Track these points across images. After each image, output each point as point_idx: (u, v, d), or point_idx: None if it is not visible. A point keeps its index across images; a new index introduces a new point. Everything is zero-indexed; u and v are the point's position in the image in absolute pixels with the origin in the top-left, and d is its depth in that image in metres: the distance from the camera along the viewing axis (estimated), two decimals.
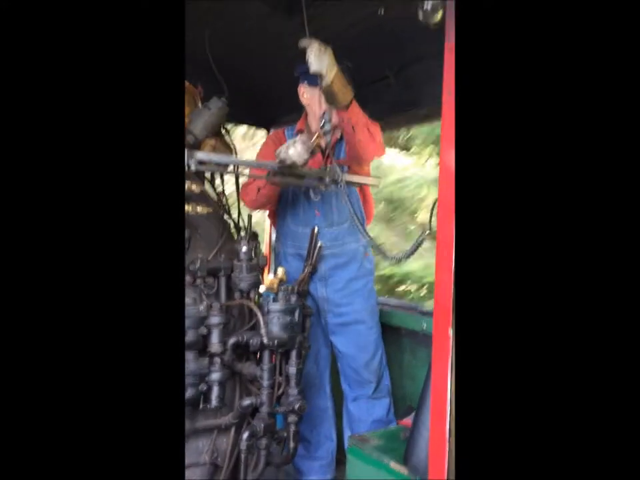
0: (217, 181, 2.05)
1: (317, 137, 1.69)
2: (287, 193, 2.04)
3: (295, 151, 1.60)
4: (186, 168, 1.50)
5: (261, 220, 3.24)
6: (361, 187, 2.00)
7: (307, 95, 1.93)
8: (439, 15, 1.40)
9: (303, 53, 1.66)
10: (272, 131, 2.20)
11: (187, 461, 1.69)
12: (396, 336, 2.20)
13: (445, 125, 1.00)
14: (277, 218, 2.15)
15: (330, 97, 1.66)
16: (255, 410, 1.68)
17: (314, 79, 1.77)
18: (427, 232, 1.31)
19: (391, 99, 2.19)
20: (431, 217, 1.14)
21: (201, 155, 1.52)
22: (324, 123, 1.64)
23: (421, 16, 1.43)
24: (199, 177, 1.88)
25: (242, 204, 2.05)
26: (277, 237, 2.18)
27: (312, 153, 1.63)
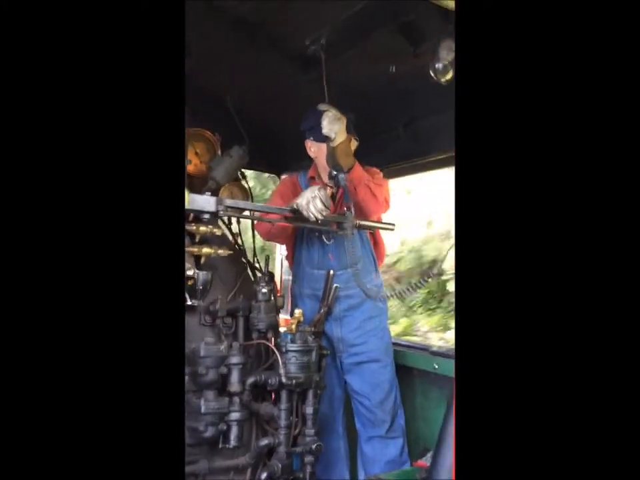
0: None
1: (331, 191, 1.79)
2: (302, 237, 2.12)
3: (315, 209, 1.70)
4: (215, 214, 1.58)
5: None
6: (372, 230, 2.08)
7: (314, 148, 2.04)
8: (450, 73, 1.52)
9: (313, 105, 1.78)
10: (285, 175, 2.31)
11: None
12: (407, 376, 2.22)
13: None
14: (293, 261, 2.22)
15: (332, 159, 1.79)
16: (270, 451, 1.70)
17: (319, 136, 1.90)
18: (436, 271, 1.38)
19: (399, 150, 2.31)
20: (444, 257, 1.20)
21: (229, 201, 1.61)
22: (336, 176, 1.73)
23: (433, 74, 1.55)
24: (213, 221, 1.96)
25: (257, 249, 2.12)
26: (293, 279, 2.24)
27: (328, 209, 1.73)
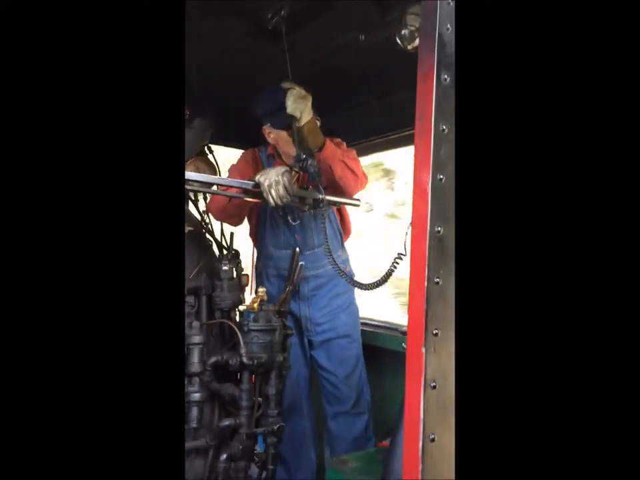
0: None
1: (297, 175, 1.72)
2: (265, 216, 2.06)
3: (276, 194, 1.62)
4: None
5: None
6: (339, 206, 2.03)
7: (273, 135, 1.92)
8: (416, 41, 1.45)
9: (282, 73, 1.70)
10: (247, 149, 2.21)
11: None
12: (377, 356, 2.20)
13: (418, 149, 1.02)
14: (257, 239, 2.16)
15: (300, 139, 1.70)
16: (233, 432, 1.66)
17: (276, 122, 1.83)
18: (402, 256, 1.33)
19: (371, 124, 2.24)
20: (405, 241, 1.15)
21: (189, 174, 1.54)
22: (304, 159, 1.64)
23: (399, 40, 1.49)
24: None
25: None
26: (257, 258, 2.18)
27: (291, 196, 1.65)
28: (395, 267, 1.30)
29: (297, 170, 1.70)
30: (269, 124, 1.89)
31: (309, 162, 1.59)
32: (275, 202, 1.63)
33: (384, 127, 2.22)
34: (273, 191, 1.61)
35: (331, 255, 1.58)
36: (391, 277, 1.32)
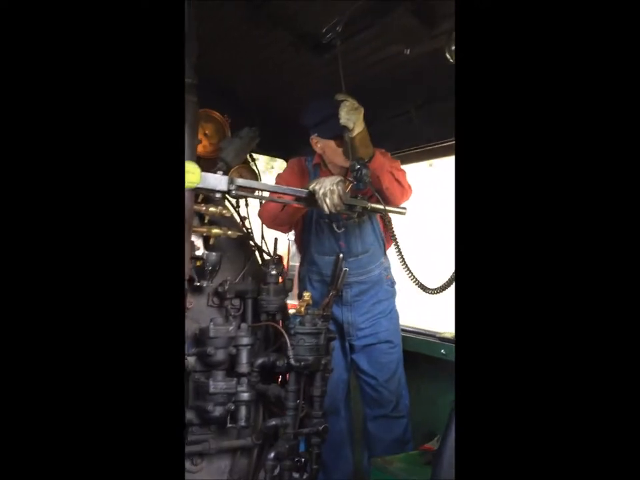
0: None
1: (350, 185, 1.76)
2: (311, 222, 2.11)
3: (331, 203, 1.66)
4: (227, 193, 1.57)
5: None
6: (385, 213, 2.07)
7: (320, 144, 1.97)
8: None
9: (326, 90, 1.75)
10: (293, 158, 2.27)
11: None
12: (415, 361, 2.23)
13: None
14: (302, 244, 2.22)
15: (352, 150, 1.74)
16: (277, 432, 1.71)
17: (324, 131, 1.88)
18: None
19: (412, 134, 2.27)
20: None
21: (240, 181, 1.59)
22: (359, 169, 1.67)
23: (449, 55, 1.53)
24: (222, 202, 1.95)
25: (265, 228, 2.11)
26: (301, 263, 2.24)
27: (345, 204, 1.70)
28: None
29: (350, 180, 1.75)
30: (316, 134, 1.94)
31: (363, 172, 1.64)
32: (329, 209, 1.68)
33: (425, 136, 2.25)
34: (327, 200, 1.66)
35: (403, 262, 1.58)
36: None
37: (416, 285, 1.55)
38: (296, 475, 1.75)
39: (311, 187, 1.70)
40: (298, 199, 1.74)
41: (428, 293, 1.51)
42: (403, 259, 1.54)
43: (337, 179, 1.69)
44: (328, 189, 1.66)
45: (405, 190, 1.90)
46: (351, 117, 1.70)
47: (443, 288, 1.39)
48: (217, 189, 1.53)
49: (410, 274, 1.51)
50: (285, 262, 3.07)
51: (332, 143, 1.91)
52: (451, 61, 1.50)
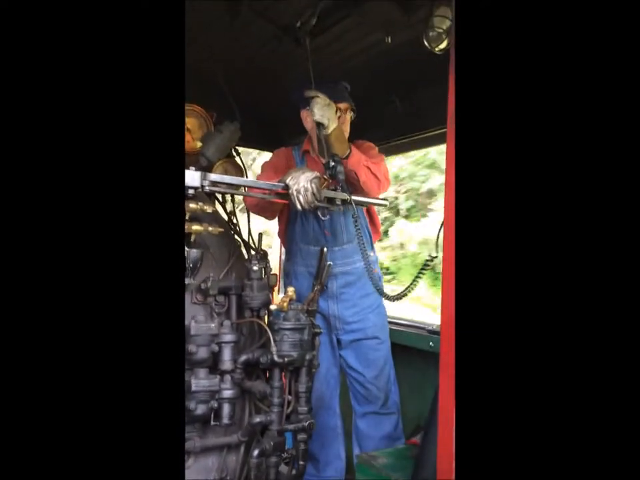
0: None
1: (326, 182, 1.73)
2: (296, 213, 2.08)
3: (304, 200, 1.64)
4: (200, 189, 1.55)
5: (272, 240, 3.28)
6: (367, 206, 2.05)
7: (310, 119, 1.93)
8: (445, 41, 1.46)
9: (308, 76, 1.72)
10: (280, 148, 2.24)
11: (197, 478, 1.70)
12: (404, 355, 2.21)
13: (450, 148, 1.03)
14: (286, 237, 2.19)
15: (327, 147, 1.72)
16: (264, 428, 1.70)
17: None
18: (435, 257, 1.33)
19: (397, 124, 2.24)
20: (437, 241, 1.16)
21: (213, 176, 1.57)
22: (334, 167, 1.66)
23: (426, 42, 1.50)
24: (210, 198, 1.92)
25: (252, 226, 2.09)
26: (286, 257, 2.21)
27: (319, 202, 1.67)
28: (424, 272, 1.32)
29: (325, 177, 1.72)
30: (307, 107, 1.88)
31: (338, 169, 1.62)
32: (302, 207, 1.66)
33: (410, 127, 2.22)
34: (301, 197, 1.64)
35: (365, 249, 1.59)
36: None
37: (375, 288, 1.53)
38: (284, 472, 1.74)
39: (286, 181, 1.67)
40: (274, 192, 1.71)
41: (386, 299, 1.49)
42: (367, 259, 1.52)
43: (312, 175, 1.67)
44: (302, 186, 1.63)
45: (381, 183, 1.88)
46: (325, 113, 1.68)
47: (400, 296, 1.36)
48: (190, 185, 1.50)
49: (370, 272, 1.50)
50: (277, 258, 3.06)
51: None
52: (428, 47, 1.47)
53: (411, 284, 1.34)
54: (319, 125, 1.71)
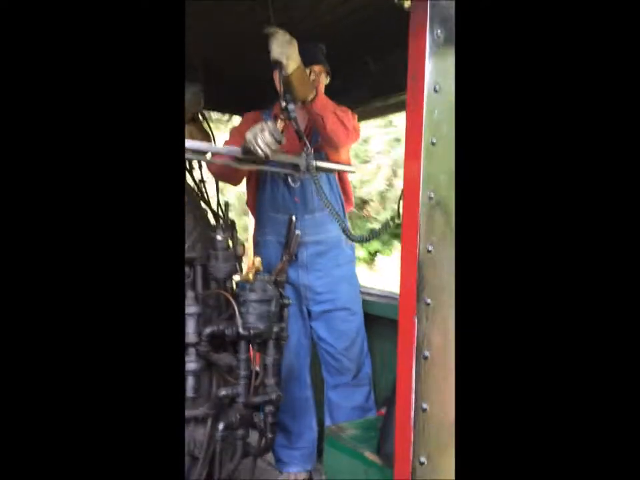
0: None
1: (283, 124, 1.63)
2: (265, 180, 2.01)
3: (262, 142, 1.54)
4: None
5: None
6: (339, 172, 1.98)
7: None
8: None
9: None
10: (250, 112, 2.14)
11: None
12: (378, 326, 2.18)
13: (410, 110, 0.97)
14: (255, 206, 2.11)
15: (288, 89, 1.59)
16: (231, 401, 1.67)
17: None
18: (396, 219, 1.28)
19: (371, 86, 2.16)
20: (399, 205, 1.11)
21: None
22: (285, 105, 1.54)
23: None
24: None
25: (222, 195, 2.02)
26: (255, 226, 2.14)
27: (279, 143, 1.58)
28: (386, 228, 1.27)
29: (282, 118, 1.62)
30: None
31: (290, 107, 1.51)
32: (263, 152, 1.55)
33: (384, 89, 2.14)
34: (259, 140, 1.53)
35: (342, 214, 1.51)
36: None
37: (342, 228, 1.46)
38: (253, 444, 1.72)
39: (246, 141, 1.58)
40: (238, 159, 1.63)
41: (352, 239, 1.44)
42: (332, 208, 1.44)
43: (267, 120, 1.58)
44: (258, 129, 1.53)
45: (349, 132, 1.78)
46: (284, 50, 1.50)
47: (367, 239, 1.33)
48: None
49: (339, 219, 1.41)
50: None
51: None
52: (397, 4, 1.38)
53: (377, 231, 1.29)
54: (278, 65, 1.54)
